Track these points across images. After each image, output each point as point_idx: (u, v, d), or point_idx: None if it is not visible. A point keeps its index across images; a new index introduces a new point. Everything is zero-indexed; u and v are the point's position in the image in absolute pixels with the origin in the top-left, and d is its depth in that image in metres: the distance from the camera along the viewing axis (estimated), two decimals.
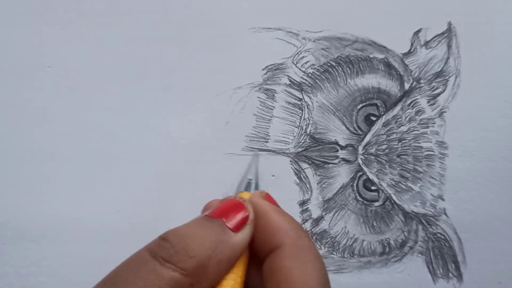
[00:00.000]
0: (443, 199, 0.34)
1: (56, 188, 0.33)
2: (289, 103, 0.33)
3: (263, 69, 0.33)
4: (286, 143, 0.33)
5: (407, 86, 0.33)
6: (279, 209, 0.26)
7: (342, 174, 0.34)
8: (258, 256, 0.25)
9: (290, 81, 0.33)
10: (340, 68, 0.33)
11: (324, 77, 0.33)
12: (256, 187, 0.31)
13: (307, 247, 0.24)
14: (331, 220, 0.33)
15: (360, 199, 0.34)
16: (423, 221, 0.34)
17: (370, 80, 0.33)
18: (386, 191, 0.34)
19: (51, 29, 0.33)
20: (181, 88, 0.33)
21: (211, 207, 0.26)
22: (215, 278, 0.22)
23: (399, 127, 0.33)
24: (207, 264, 0.22)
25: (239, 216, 0.24)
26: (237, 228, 0.24)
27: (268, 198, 0.27)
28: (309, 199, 0.33)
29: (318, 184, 0.33)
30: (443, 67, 0.33)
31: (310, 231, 0.33)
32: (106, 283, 0.21)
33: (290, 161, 0.33)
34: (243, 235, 0.24)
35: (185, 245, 0.22)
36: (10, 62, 0.33)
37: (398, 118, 0.33)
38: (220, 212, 0.24)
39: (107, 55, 0.33)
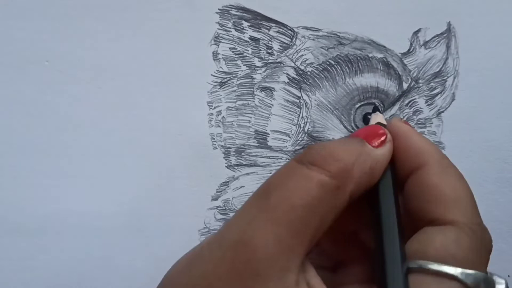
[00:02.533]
0: None
1: (54, 183, 0.33)
2: (287, 101, 0.33)
3: (261, 67, 0.33)
4: (284, 141, 0.33)
5: (405, 85, 0.33)
6: (419, 133, 0.26)
7: None
8: (399, 177, 0.25)
9: (288, 79, 0.33)
10: (339, 67, 0.33)
11: (322, 76, 0.33)
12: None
13: (452, 166, 0.25)
14: None
15: None
16: None
17: (369, 79, 0.33)
18: None
19: (49, 23, 0.33)
20: (179, 85, 0.33)
21: None
22: (359, 185, 0.23)
23: None
24: (352, 168, 0.23)
25: (379, 136, 0.25)
26: (378, 145, 0.25)
27: (406, 122, 0.27)
28: None
29: None
30: (441, 68, 0.33)
31: None
32: (258, 192, 0.23)
33: (288, 159, 0.33)
34: (384, 150, 0.25)
35: (331, 151, 0.23)
36: (8, 56, 0.33)
37: None
38: (358, 133, 0.26)
39: (106, 50, 0.33)
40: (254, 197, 0.22)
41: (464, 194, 0.23)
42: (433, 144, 0.26)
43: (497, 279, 0.22)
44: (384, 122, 0.29)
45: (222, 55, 0.33)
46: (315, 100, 0.33)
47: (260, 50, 0.33)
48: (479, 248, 0.22)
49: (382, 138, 0.25)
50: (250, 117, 0.33)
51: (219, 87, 0.33)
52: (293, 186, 0.22)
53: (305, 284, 0.21)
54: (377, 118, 0.29)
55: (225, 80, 0.33)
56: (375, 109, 0.32)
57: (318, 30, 0.33)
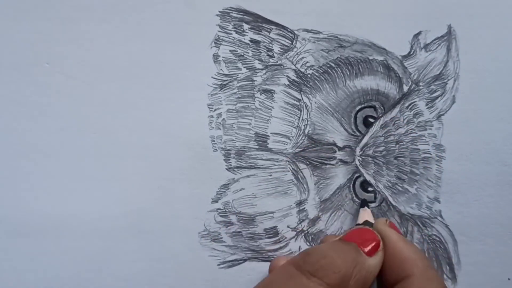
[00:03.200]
0: (439, 202, 0.34)
1: (54, 184, 0.33)
2: (287, 103, 0.33)
3: (262, 69, 0.33)
4: (284, 143, 0.33)
5: (405, 88, 0.33)
6: (405, 239, 0.28)
7: (339, 175, 0.34)
8: (384, 284, 0.26)
9: (289, 81, 0.33)
10: (339, 69, 0.33)
11: (323, 78, 0.33)
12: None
13: (435, 278, 0.26)
14: (327, 220, 0.33)
15: (356, 200, 0.34)
16: (419, 223, 0.34)
17: (369, 82, 0.33)
18: (382, 192, 0.34)
19: (50, 25, 0.33)
20: (180, 87, 0.33)
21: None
22: None
23: (397, 129, 0.34)
24: (348, 282, 0.24)
25: (372, 242, 0.26)
26: (371, 252, 0.26)
27: (392, 226, 0.29)
28: (306, 199, 0.33)
29: (315, 184, 0.33)
30: (442, 70, 0.33)
31: (306, 231, 0.33)
32: None
33: (288, 161, 0.33)
34: (376, 260, 0.26)
35: (330, 261, 0.24)
36: (9, 58, 0.33)
37: (396, 120, 0.34)
38: (353, 236, 0.27)
39: (106, 52, 0.33)
40: None
41: None
42: (420, 253, 0.27)
43: None
44: (372, 220, 0.31)
45: (223, 57, 0.33)
46: (315, 102, 0.33)
47: (261, 52, 0.33)
48: None
49: (374, 246, 0.26)
50: (251, 120, 0.33)
51: (219, 89, 0.33)
52: None
53: None
54: (365, 215, 0.31)
55: (225, 82, 0.33)
56: (364, 204, 0.33)
57: (318, 32, 0.33)
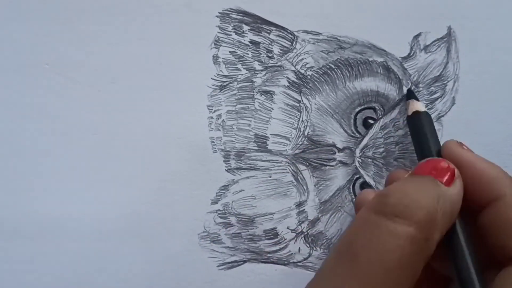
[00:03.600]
0: None
1: (53, 186, 0.33)
2: (287, 104, 0.33)
3: (261, 70, 0.33)
4: (284, 145, 0.33)
5: (405, 90, 0.33)
6: (483, 158, 0.25)
7: (339, 177, 0.34)
8: (469, 212, 0.24)
9: (288, 82, 0.33)
10: (339, 70, 0.33)
11: (323, 80, 0.33)
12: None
13: None
14: (327, 222, 0.33)
15: None
16: None
17: (369, 83, 0.33)
18: None
19: (50, 26, 0.33)
20: (179, 88, 0.33)
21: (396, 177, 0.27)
22: (443, 231, 0.22)
23: (397, 131, 0.34)
24: (436, 215, 0.21)
25: (447, 171, 0.24)
26: (449, 182, 0.23)
27: (463, 145, 0.26)
28: (306, 200, 0.33)
29: (315, 186, 0.33)
30: (442, 72, 0.33)
31: (306, 233, 0.33)
32: (341, 254, 0.21)
33: (288, 162, 0.33)
34: (457, 189, 0.23)
35: (412, 198, 0.21)
36: (8, 59, 0.33)
37: (396, 122, 0.33)
38: (424, 168, 0.24)
39: (106, 54, 0.33)
40: (337, 259, 0.21)
41: None
42: (505, 172, 0.24)
43: None
44: (423, 109, 0.29)
45: (222, 58, 0.33)
46: (315, 104, 0.33)
47: (260, 53, 0.33)
48: None
49: (451, 174, 0.23)
50: (250, 121, 0.33)
51: (219, 90, 0.33)
52: (383, 246, 0.20)
53: None
54: (415, 105, 0.29)
55: (225, 83, 0.33)
56: (410, 95, 0.31)
57: (318, 34, 0.33)
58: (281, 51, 0.33)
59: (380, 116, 0.33)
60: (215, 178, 0.33)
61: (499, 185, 0.23)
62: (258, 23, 0.33)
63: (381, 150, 0.34)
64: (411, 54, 0.33)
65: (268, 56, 0.33)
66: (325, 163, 0.33)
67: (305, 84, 0.33)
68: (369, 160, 0.34)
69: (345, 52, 0.33)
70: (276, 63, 0.33)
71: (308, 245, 0.33)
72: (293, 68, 0.33)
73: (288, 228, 0.33)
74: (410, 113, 0.30)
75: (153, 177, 0.33)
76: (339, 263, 0.20)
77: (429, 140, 0.29)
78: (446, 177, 0.23)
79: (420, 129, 0.29)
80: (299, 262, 0.33)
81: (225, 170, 0.33)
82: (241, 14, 0.33)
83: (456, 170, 0.24)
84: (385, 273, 0.19)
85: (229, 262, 0.33)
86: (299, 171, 0.33)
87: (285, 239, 0.33)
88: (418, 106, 0.30)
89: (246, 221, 0.33)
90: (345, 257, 0.20)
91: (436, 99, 0.33)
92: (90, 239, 0.32)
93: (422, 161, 0.26)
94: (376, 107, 0.33)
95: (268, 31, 0.33)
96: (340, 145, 0.34)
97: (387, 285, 0.19)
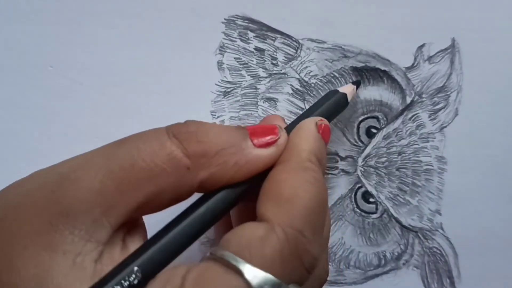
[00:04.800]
0: (440, 214, 0.34)
1: None
2: (291, 112, 0.33)
3: (266, 77, 0.33)
4: None
5: (409, 100, 0.33)
6: (315, 134, 0.24)
7: (341, 185, 0.34)
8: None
9: (292, 90, 0.33)
10: (343, 79, 0.33)
11: (327, 88, 0.33)
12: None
13: (311, 169, 0.23)
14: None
15: (357, 210, 0.34)
16: (420, 235, 0.34)
17: (373, 93, 0.33)
18: (384, 203, 0.34)
19: (54, 28, 0.33)
20: (183, 93, 0.33)
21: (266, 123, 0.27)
22: (215, 176, 0.21)
23: (399, 141, 0.34)
24: (212, 156, 0.21)
25: (267, 137, 0.23)
26: (260, 145, 0.23)
27: (325, 127, 0.25)
28: None
29: None
30: (445, 83, 0.33)
31: None
32: (114, 141, 0.22)
33: None
34: (263, 152, 0.23)
35: (200, 130, 0.22)
36: (12, 60, 0.33)
37: (398, 132, 0.34)
38: (250, 127, 0.23)
39: (110, 57, 0.33)
40: (110, 143, 0.22)
41: (302, 199, 0.21)
42: (314, 143, 0.24)
43: None
44: (349, 97, 0.29)
45: (227, 64, 0.33)
46: None
47: (265, 60, 0.33)
48: (287, 254, 0.20)
49: (269, 140, 0.23)
50: None
51: (222, 96, 0.33)
52: (144, 147, 0.21)
53: (119, 244, 0.20)
54: (345, 87, 0.29)
55: (229, 89, 0.33)
56: (357, 83, 0.31)
57: (323, 42, 0.33)
58: (286, 59, 0.33)
59: (383, 126, 0.33)
60: None
61: (293, 152, 0.23)
62: (264, 30, 0.33)
63: (383, 159, 0.34)
64: (415, 64, 0.33)
65: (272, 63, 0.33)
66: (327, 171, 0.33)
67: (309, 92, 0.33)
68: (372, 169, 0.34)
69: (349, 61, 0.33)
70: (281, 70, 0.33)
71: None
72: (297, 76, 0.33)
73: None
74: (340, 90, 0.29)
75: None
76: (107, 145, 0.22)
77: (317, 107, 0.28)
78: (261, 140, 0.23)
79: (323, 99, 0.29)
80: None
81: None
82: (246, 21, 0.33)
83: (281, 139, 0.23)
84: (129, 167, 0.20)
85: None
86: None
87: None
88: (346, 89, 0.30)
89: None
90: (115, 143, 0.22)
91: (439, 109, 0.33)
92: None
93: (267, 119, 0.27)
94: (379, 117, 0.33)
95: (273, 38, 0.33)
96: (342, 153, 0.34)
97: (125, 179, 0.20)
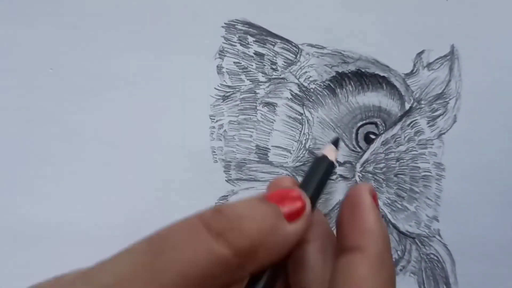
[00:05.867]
0: (438, 220, 0.34)
1: (52, 191, 0.32)
2: (289, 117, 0.33)
3: (265, 82, 0.33)
4: (285, 157, 0.33)
5: (407, 106, 0.34)
6: (378, 211, 0.24)
7: (339, 191, 0.34)
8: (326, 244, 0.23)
9: (291, 95, 0.33)
10: (342, 85, 0.33)
11: (325, 93, 0.33)
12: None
13: (389, 263, 0.22)
14: None
15: None
16: (417, 241, 0.34)
17: (371, 99, 0.33)
18: (381, 209, 0.34)
19: (55, 31, 0.33)
20: (182, 97, 0.33)
21: (279, 187, 0.25)
22: (261, 265, 0.21)
23: (398, 147, 0.34)
24: (259, 248, 0.20)
25: (295, 205, 0.22)
26: (291, 217, 0.22)
27: (374, 196, 0.24)
28: None
29: None
30: (444, 89, 0.33)
31: None
32: (151, 245, 0.20)
33: (288, 175, 0.33)
34: (296, 228, 0.22)
35: (242, 223, 0.20)
36: (12, 63, 0.33)
37: (397, 138, 0.34)
38: (277, 196, 0.23)
39: (110, 60, 0.33)
40: (144, 246, 0.20)
41: None
42: (384, 229, 0.23)
43: None
44: (332, 158, 0.27)
45: (226, 69, 0.33)
46: (317, 117, 0.33)
47: (264, 65, 0.33)
48: None
49: (297, 210, 0.22)
50: (252, 132, 0.33)
51: (222, 100, 0.33)
52: (192, 253, 0.19)
53: None
54: (328, 151, 0.27)
55: (228, 94, 0.33)
56: (336, 142, 0.28)
57: (322, 47, 0.33)
58: (285, 64, 0.33)
59: (381, 132, 0.34)
60: (214, 188, 0.33)
61: (369, 239, 0.22)
62: (263, 35, 0.33)
63: (381, 165, 0.34)
64: (414, 71, 0.33)
65: (272, 68, 0.33)
66: None
67: (308, 97, 0.33)
68: (370, 175, 0.34)
69: (348, 66, 0.33)
70: (280, 75, 0.33)
71: None
72: (296, 81, 0.33)
73: None
74: (320, 154, 0.27)
75: (153, 185, 0.33)
76: (143, 250, 0.20)
77: (313, 182, 0.27)
78: (290, 211, 0.22)
79: (315, 171, 0.27)
80: None
81: (225, 180, 0.33)
82: (246, 26, 0.33)
83: (307, 208, 0.23)
84: (181, 278, 0.19)
85: None
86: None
87: None
88: (331, 153, 0.27)
89: None
90: (152, 248, 0.20)
91: (438, 116, 0.33)
92: (88, 245, 0.32)
93: (279, 189, 0.25)
94: (378, 123, 0.34)
95: (273, 43, 0.33)
96: (341, 159, 0.34)
97: None
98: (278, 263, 0.22)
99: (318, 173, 0.26)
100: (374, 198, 0.24)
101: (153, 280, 0.19)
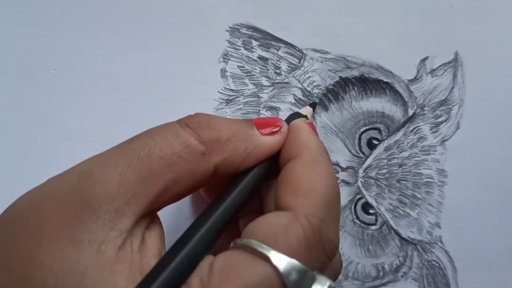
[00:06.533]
0: (439, 227, 0.34)
1: None
2: None
3: (268, 86, 0.33)
4: None
5: (410, 112, 0.34)
6: (312, 131, 0.26)
7: (341, 196, 0.33)
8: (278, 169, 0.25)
9: (295, 99, 0.33)
10: (345, 90, 0.33)
11: (329, 98, 0.33)
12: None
13: (324, 163, 0.24)
14: None
15: (357, 221, 0.34)
16: (419, 248, 0.34)
17: (375, 104, 0.33)
18: (383, 215, 0.34)
19: (59, 31, 0.33)
20: (186, 100, 0.33)
21: None
22: (227, 161, 0.23)
23: (401, 153, 0.34)
24: (223, 142, 0.23)
25: (271, 127, 0.25)
26: (266, 134, 0.25)
27: (311, 125, 0.27)
28: None
29: None
30: (447, 96, 0.33)
31: None
32: (130, 138, 0.23)
33: None
34: (270, 139, 0.25)
35: (211, 120, 0.23)
36: (16, 63, 0.33)
37: (400, 144, 0.34)
38: (255, 119, 0.25)
39: (114, 62, 0.33)
40: (123, 141, 0.23)
41: (321, 189, 0.23)
42: (319, 143, 0.25)
43: (321, 279, 0.21)
44: (307, 118, 0.29)
45: (230, 72, 0.33)
46: (320, 122, 0.33)
47: (268, 69, 0.33)
48: (311, 242, 0.21)
49: (274, 129, 0.25)
50: None
51: (225, 104, 0.33)
52: (159, 138, 0.22)
53: (140, 235, 0.21)
54: (305, 110, 0.30)
55: (231, 97, 0.33)
56: (313, 105, 0.32)
57: (326, 52, 0.33)
58: (289, 68, 0.33)
59: (384, 137, 0.34)
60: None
61: (302, 147, 0.24)
62: (268, 39, 0.33)
63: (384, 171, 0.34)
64: (418, 77, 0.33)
65: (275, 73, 0.33)
66: None
67: (311, 101, 0.33)
68: (372, 180, 0.34)
69: (352, 72, 0.33)
70: (283, 79, 0.33)
71: None
72: (300, 86, 0.33)
73: None
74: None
75: None
76: (123, 142, 0.23)
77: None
78: (267, 130, 0.25)
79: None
80: None
81: None
82: (251, 30, 0.33)
83: (283, 128, 0.25)
84: (146, 157, 0.21)
85: None
86: None
87: None
88: (306, 110, 0.30)
89: None
90: (130, 139, 0.23)
91: (441, 122, 0.33)
92: None
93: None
94: (381, 128, 0.34)
95: (277, 47, 0.33)
96: (343, 164, 0.33)
97: (144, 168, 0.21)
98: (258, 172, 0.24)
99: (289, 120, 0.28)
100: (310, 125, 0.27)
101: (123, 158, 0.21)
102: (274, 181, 0.25)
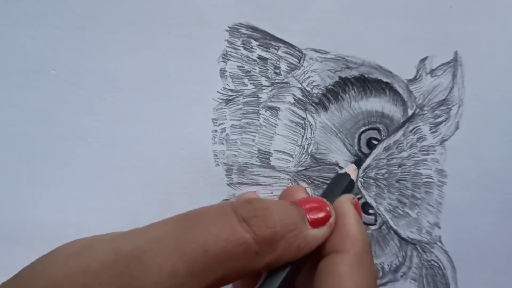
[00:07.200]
0: (439, 227, 0.34)
1: (53, 192, 0.32)
2: (292, 121, 0.33)
3: (268, 86, 0.33)
4: (287, 161, 0.33)
5: (410, 112, 0.33)
6: (359, 219, 0.26)
7: None
8: (317, 253, 0.25)
9: (294, 99, 0.33)
10: (345, 90, 0.33)
11: (328, 98, 0.33)
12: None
13: (369, 262, 0.24)
14: None
15: None
16: (418, 248, 0.34)
17: (374, 104, 0.33)
18: (383, 215, 0.34)
19: (58, 32, 0.33)
20: (185, 100, 0.33)
21: (292, 195, 0.28)
22: (279, 258, 0.23)
23: (400, 153, 0.34)
24: (278, 241, 0.22)
25: (321, 214, 0.25)
26: (316, 223, 0.24)
27: (356, 205, 0.27)
28: None
29: None
30: (447, 96, 0.33)
31: None
32: (183, 218, 0.22)
33: (290, 179, 0.33)
34: (319, 233, 0.24)
35: (267, 214, 0.23)
36: (14, 63, 0.33)
37: (399, 144, 0.34)
38: (305, 203, 0.25)
39: (113, 62, 0.33)
40: (176, 219, 0.22)
41: None
42: (365, 235, 0.25)
43: None
44: (353, 177, 0.30)
45: (230, 72, 0.33)
46: (320, 122, 0.33)
47: (268, 69, 0.33)
48: None
49: (322, 218, 0.25)
50: (254, 136, 0.33)
51: (224, 104, 0.33)
52: (216, 231, 0.21)
53: None
54: (349, 169, 0.30)
55: (231, 97, 0.33)
56: (357, 162, 0.32)
57: (326, 52, 0.33)
58: (288, 68, 0.33)
59: (384, 137, 0.33)
60: (216, 191, 0.33)
61: (349, 242, 0.24)
62: (267, 39, 0.33)
63: (383, 171, 0.34)
64: (417, 77, 0.33)
65: (275, 72, 0.33)
66: (327, 181, 0.33)
67: (311, 102, 0.33)
68: (371, 180, 0.34)
69: (351, 72, 0.33)
70: (283, 79, 0.33)
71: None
72: (299, 86, 0.33)
73: None
74: (343, 171, 0.31)
75: (154, 188, 0.33)
76: (174, 222, 0.22)
77: (334, 196, 0.29)
78: (315, 217, 0.24)
79: (336, 185, 0.30)
80: None
81: (227, 184, 0.33)
82: (250, 30, 0.33)
83: (331, 219, 0.25)
84: (201, 251, 0.20)
85: None
86: None
87: None
88: (352, 171, 0.31)
89: None
90: (182, 221, 0.22)
91: (441, 122, 0.33)
92: None
93: (309, 197, 0.27)
94: (381, 128, 0.33)
95: (277, 47, 0.33)
96: (343, 164, 0.33)
97: (197, 262, 0.20)
98: (297, 264, 0.24)
99: (338, 188, 0.29)
100: (356, 205, 0.27)
101: (177, 248, 0.20)
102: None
